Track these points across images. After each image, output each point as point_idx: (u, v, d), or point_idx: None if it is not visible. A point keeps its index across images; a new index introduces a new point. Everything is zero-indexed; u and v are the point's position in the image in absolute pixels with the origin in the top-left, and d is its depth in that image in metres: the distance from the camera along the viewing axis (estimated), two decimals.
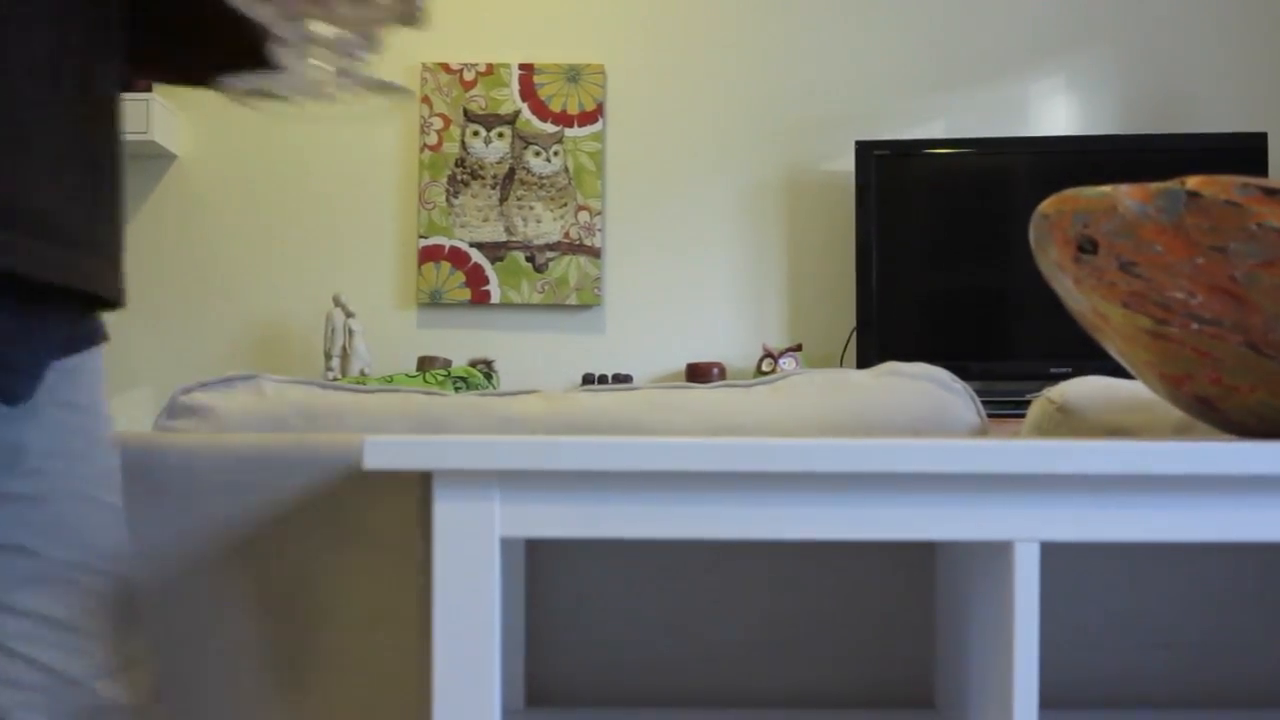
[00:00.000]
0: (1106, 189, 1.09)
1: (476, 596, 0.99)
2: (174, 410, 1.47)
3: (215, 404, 1.46)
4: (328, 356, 4.58)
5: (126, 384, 4.83)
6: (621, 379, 4.61)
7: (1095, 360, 4.28)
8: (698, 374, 4.52)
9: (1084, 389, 1.54)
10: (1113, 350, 1.19)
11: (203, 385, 1.48)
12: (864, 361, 4.47)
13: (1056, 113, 4.81)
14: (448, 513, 1.00)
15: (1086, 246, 1.10)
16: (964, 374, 4.30)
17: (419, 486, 1.34)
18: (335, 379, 4.49)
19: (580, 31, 4.83)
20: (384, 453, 0.98)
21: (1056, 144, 4.58)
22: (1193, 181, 1.05)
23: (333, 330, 4.59)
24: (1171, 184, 1.06)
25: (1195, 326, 1.08)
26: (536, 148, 4.81)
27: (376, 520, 1.35)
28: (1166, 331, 1.09)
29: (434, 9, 4.91)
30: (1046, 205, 1.12)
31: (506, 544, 1.27)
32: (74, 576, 1.06)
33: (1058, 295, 1.20)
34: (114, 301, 1.09)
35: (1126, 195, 1.08)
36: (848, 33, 4.73)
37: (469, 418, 1.45)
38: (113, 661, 1.08)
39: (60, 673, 1.05)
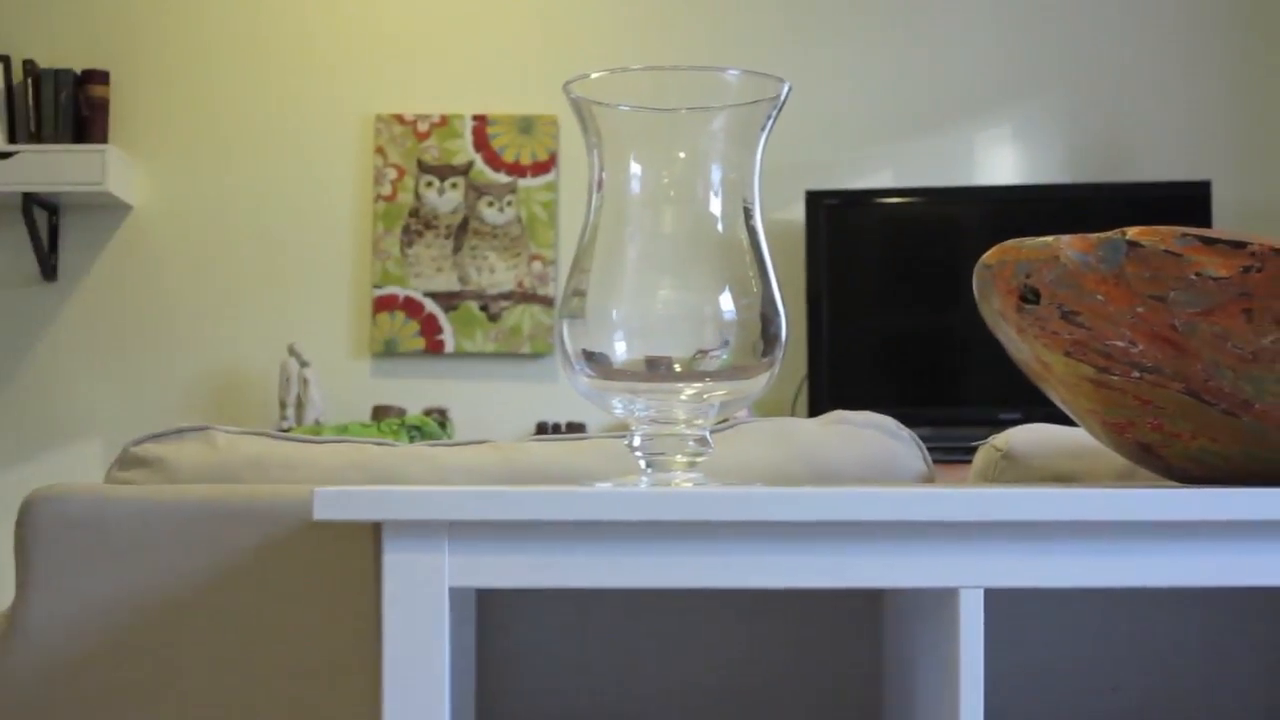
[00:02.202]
0: (1049, 239, 1.10)
1: (425, 648, 0.99)
2: (125, 461, 1.46)
3: (167, 455, 1.45)
4: (283, 406, 4.56)
5: (79, 434, 4.79)
6: (575, 428, 4.60)
7: (1045, 406, 4.30)
8: None
9: (1028, 436, 1.54)
10: (1056, 398, 1.19)
11: (154, 436, 1.47)
12: (815, 409, 4.48)
13: (1003, 162, 4.85)
14: (396, 563, 0.99)
15: (1029, 296, 1.10)
16: (914, 421, 4.31)
17: (370, 538, 1.33)
18: (290, 428, 4.46)
19: (533, 83, 4.84)
20: (333, 503, 0.98)
21: (1002, 193, 4.62)
22: (1133, 232, 1.06)
23: (288, 379, 4.58)
24: (1112, 234, 1.07)
25: (1137, 374, 1.09)
26: (490, 198, 4.81)
27: (330, 573, 1.34)
28: (1109, 380, 1.10)
29: (388, 60, 4.92)
30: (989, 256, 1.13)
31: (457, 594, 1.26)
32: None
33: (1000, 341, 1.21)
34: None
35: (1068, 245, 1.09)
36: (799, 83, 4.76)
37: (421, 468, 1.44)
38: None
39: None
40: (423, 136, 4.85)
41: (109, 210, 4.86)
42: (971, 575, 1.02)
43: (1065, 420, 3.90)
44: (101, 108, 4.80)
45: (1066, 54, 4.88)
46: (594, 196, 1.14)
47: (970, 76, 4.87)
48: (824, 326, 4.55)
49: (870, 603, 1.41)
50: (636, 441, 1.12)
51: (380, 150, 4.84)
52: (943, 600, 1.06)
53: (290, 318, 4.83)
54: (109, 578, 1.33)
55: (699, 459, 1.12)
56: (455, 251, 4.81)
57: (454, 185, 4.83)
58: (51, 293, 4.85)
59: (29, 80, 4.76)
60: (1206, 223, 4.46)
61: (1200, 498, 1.00)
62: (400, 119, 4.85)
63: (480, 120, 4.85)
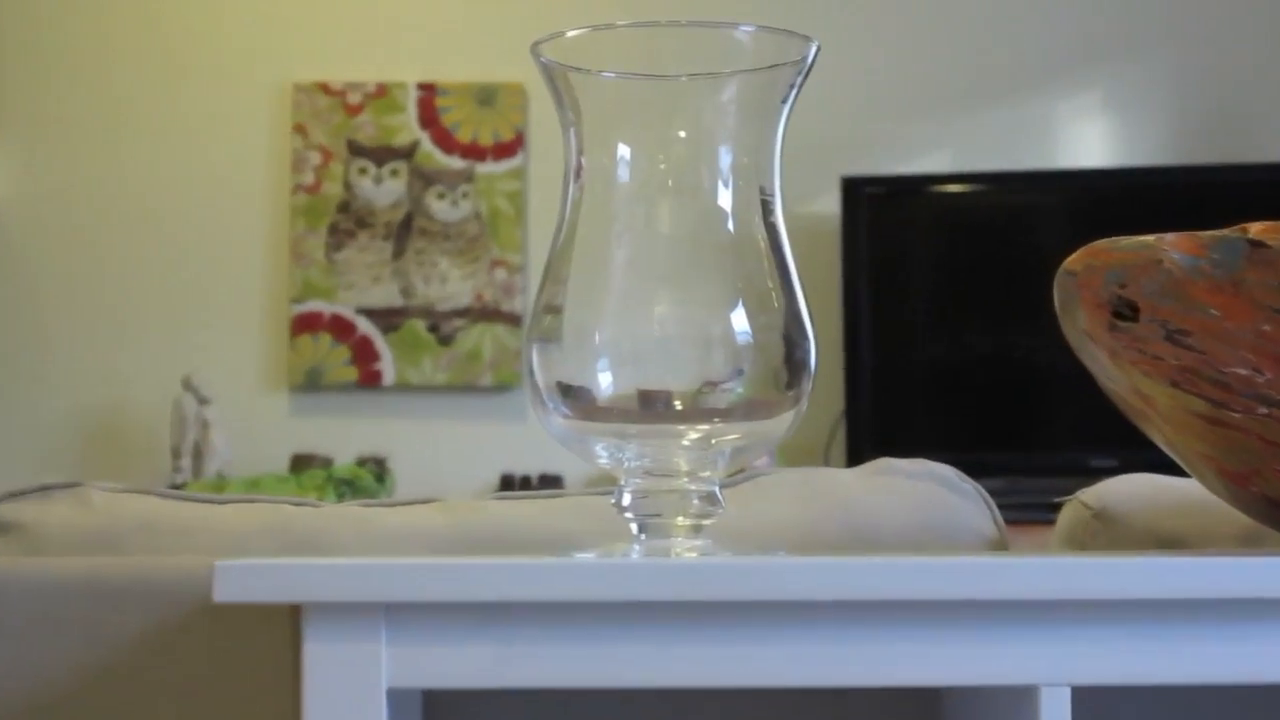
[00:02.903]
0: (1148, 239, 1.10)
1: None
2: None
3: (30, 519, 1.44)
4: (176, 454, 4.56)
5: None
6: (549, 481, 4.60)
7: (1147, 450, 4.28)
8: None
9: (1126, 490, 1.54)
10: (1159, 440, 1.19)
11: (14, 495, 1.47)
12: (855, 455, 4.48)
13: (1090, 140, 4.86)
14: (321, 657, 0.99)
15: (1124, 311, 1.10)
16: (981, 470, 4.29)
17: (288, 623, 1.33)
18: (185, 483, 4.46)
19: (495, 42, 4.85)
20: (239, 581, 0.97)
21: (1089, 180, 4.63)
22: (1256, 229, 1.06)
23: (182, 421, 4.57)
24: (1229, 232, 1.07)
25: (1262, 410, 1.08)
26: (440, 188, 4.82)
27: (236, 668, 1.34)
28: (1226, 417, 1.10)
29: (308, 13, 4.93)
30: (1073, 260, 1.13)
31: (397, 696, 1.26)
32: None
33: (1086, 368, 1.21)
34: None
35: (1173, 247, 1.08)
36: (830, 42, 4.77)
37: (353, 533, 1.44)
38: None
39: None
40: (354, 110, 4.86)
41: None
42: (1055, 670, 1.01)
43: (1173, 468, 3.88)
44: None
45: (1170, 6, 4.89)
46: (571, 187, 1.14)
47: (1049, 32, 4.88)
48: (865, 349, 4.56)
49: (926, 703, 1.40)
50: (626, 499, 1.11)
51: (300, 128, 4.85)
52: (1019, 700, 1.06)
53: (186, 342, 4.82)
54: None
55: (706, 521, 1.12)
56: (396, 256, 4.82)
57: (394, 172, 4.84)
58: None
59: None
60: None
61: None
62: (325, 88, 4.86)
63: (427, 90, 4.86)
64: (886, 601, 1.01)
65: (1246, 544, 1.48)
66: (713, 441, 1.10)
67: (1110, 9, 4.88)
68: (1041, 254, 4.52)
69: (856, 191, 4.60)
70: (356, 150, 4.85)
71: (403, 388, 4.80)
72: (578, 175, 1.13)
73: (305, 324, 4.80)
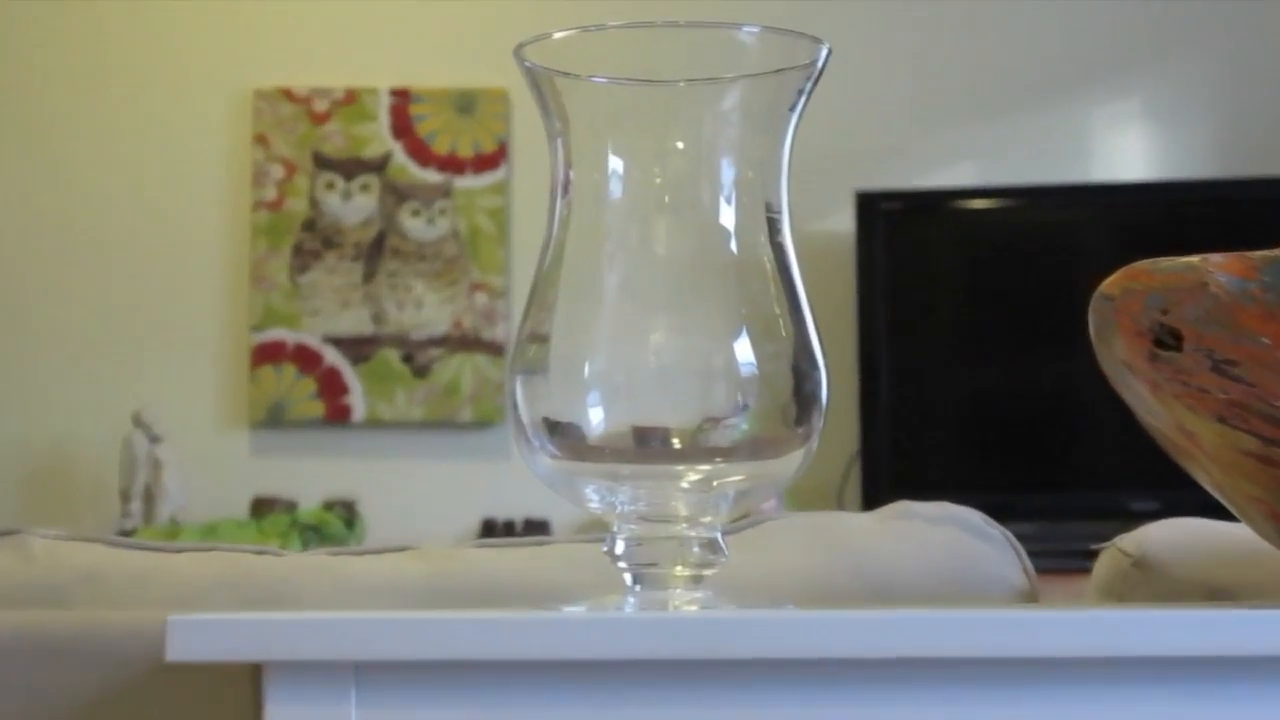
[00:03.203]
0: (1193, 260, 1.10)
1: None
2: None
3: None
4: (125, 497, 4.56)
5: None
6: (534, 526, 4.59)
7: (1192, 491, 4.28)
8: None
9: (1169, 536, 1.54)
10: (1205, 481, 1.19)
11: None
12: (870, 498, 4.48)
13: (1129, 150, 4.87)
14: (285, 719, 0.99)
15: (1166, 340, 1.10)
16: (1009, 513, 4.29)
17: (249, 683, 1.33)
18: (134, 529, 4.46)
19: (475, 44, 4.86)
20: (194, 637, 0.97)
21: (1128, 194, 4.63)
22: None
23: (132, 461, 4.57)
24: None
25: None
26: (415, 204, 4.83)
27: None
28: (1279, 456, 1.10)
29: (272, 13, 4.94)
30: (1110, 283, 1.13)
31: None
32: None
33: (1125, 402, 1.21)
34: None
35: (1219, 268, 1.09)
36: (843, 46, 4.77)
37: (320, 585, 1.44)
38: None
39: None
40: (320, 119, 4.87)
41: None
42: None
43: (1220, 512, 3.87)
44: None
45: (1216, 4, 4.90)
46: (558, 203, 1.14)
47: (1083, 32, 4.89)
48: (882, 381, 4.56)
49: None
50: (620, 547, 1.11)
51: (261, 139, 4.86)
52: None
53: (136, 375, 4.82)
54: None
55: (707, 571, 1.12)
56: (367, 279, 4.82)
57: (365, 187, 4.85)
58: None
59: None
60: None
61: None
62: (289, 95, 4.87)
63: (401, 96, 4.87)
64: (905, 659, 1.01)
65: None
66: (714, 483, 1.10)
67: (1151, 5, 4.89)
68: (1075, 276, 4.53)
69: (872, 207, 4.61)
70: (323, 163, 4.86)
71: (374, 424, 4.80)
72: (566, 190, 1.13)
73: (267, 354, 4.80)
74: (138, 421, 4.59)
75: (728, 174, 1.12)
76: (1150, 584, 1.53)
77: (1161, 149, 4.86)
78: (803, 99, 1.13)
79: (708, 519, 1.11)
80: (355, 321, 4.80)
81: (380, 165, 4.86)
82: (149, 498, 4.57)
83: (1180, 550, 1.54)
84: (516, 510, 4.73)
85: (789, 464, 1.11)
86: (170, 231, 4.88)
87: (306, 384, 4.79)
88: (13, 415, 4.82)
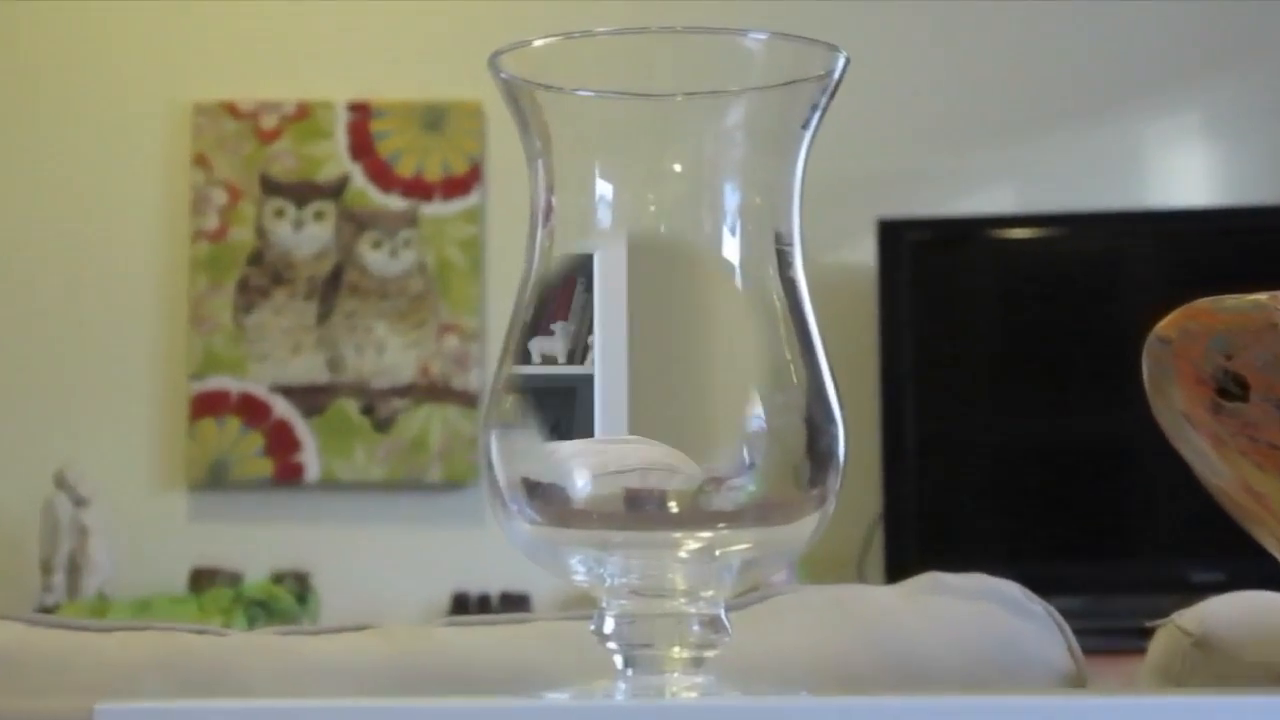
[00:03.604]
0: (1260, 297, 1.10)
1: None
2: None
3: None
4: (46, 569, 4.55)
5: None
6: (512, 601, 4.59)
7: (1259, 560, 4.27)
8: None
9: (1234, 612, 1.54)
10: (1276, 549, 1.19)
11: None
12: (895, 569, 4.47)
13: (1184, 174, 4.88)
14: None
15: (1231, 388, 1.10)
16: (1052, 586, 4.29)
17: None
18: (57, 605, 4.45)
19: (445, 52, 4.87)
20: None
21: (1185, 222, 4.64)
22: None
23: (54, 527, 4.57)
24: None
25: None
26: (377, 234, 4.84)
27: None
28: None
29: (212, 18, 4.94)
30: (1167, 324, 1.13)
31: None
32: None
33: (1184, 459, 1.21)
34: None
35: None
36: (863, 57, 4.79)
37: (268, 668, 1.44)
38: None
39: None
40: (269, 137, 4.88)
41: None
42: None
43: None
44: None
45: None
46: (539, 233, 1.14)
47: (1134, 41, 4.91)
48: (908, 435, 4.56)
49: None
50: (609, 625, 1.11)
51: (201, 160, 4.87)
52: None
53: (59, 429, 4.82)
54: None
55: (709, 652, 1.11)
56: (322, 320, 4.83)
57: (319, 215, 4.85)
58: None
59: None
60: None
61: None
62: (232, 109, 4.88)
63: (360, 110, 4.88)
64: None
65: None
66: (716, 553, 1.10)
67: (1209, 12, 4.90)
68: (1126, 316, 4.54)
69: (896, 237, 4.61)
70: (271, 187, 4.87)
71: (330, 485, 4.80)
72: (547, 218, 1.13)
73: (208, 405, 4.80)
74: (60, 482, 4.58)
75: (731, 200, 1.12)
76: (1213, 666, 1.53)
77: (1222, 170, 4.87)
78: (817, 115, 1.13)
79: (709, 593, 1.11)
80: (308, 368, 4.81)
81: (337, 190, 4.86)
82: (73, 569, 4.56)
83: (1247, 628, 1.54)
84: (492, 583, 4.73)
85: (801, 530, 1.11)
86: (96, 265, 4.88)
87: (252, 439, 4.79)
88: None
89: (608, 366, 1.11)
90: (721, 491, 1.09)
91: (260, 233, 4.85)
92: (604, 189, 1.13)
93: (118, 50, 4.93)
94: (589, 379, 1.10)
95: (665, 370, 1.12)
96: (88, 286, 4.87)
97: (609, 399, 1.10)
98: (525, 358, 1.12)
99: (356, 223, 4.85)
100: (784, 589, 1.53)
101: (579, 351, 1.11)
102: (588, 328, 1.11)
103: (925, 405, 4.59)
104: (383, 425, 4.78)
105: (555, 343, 1.09)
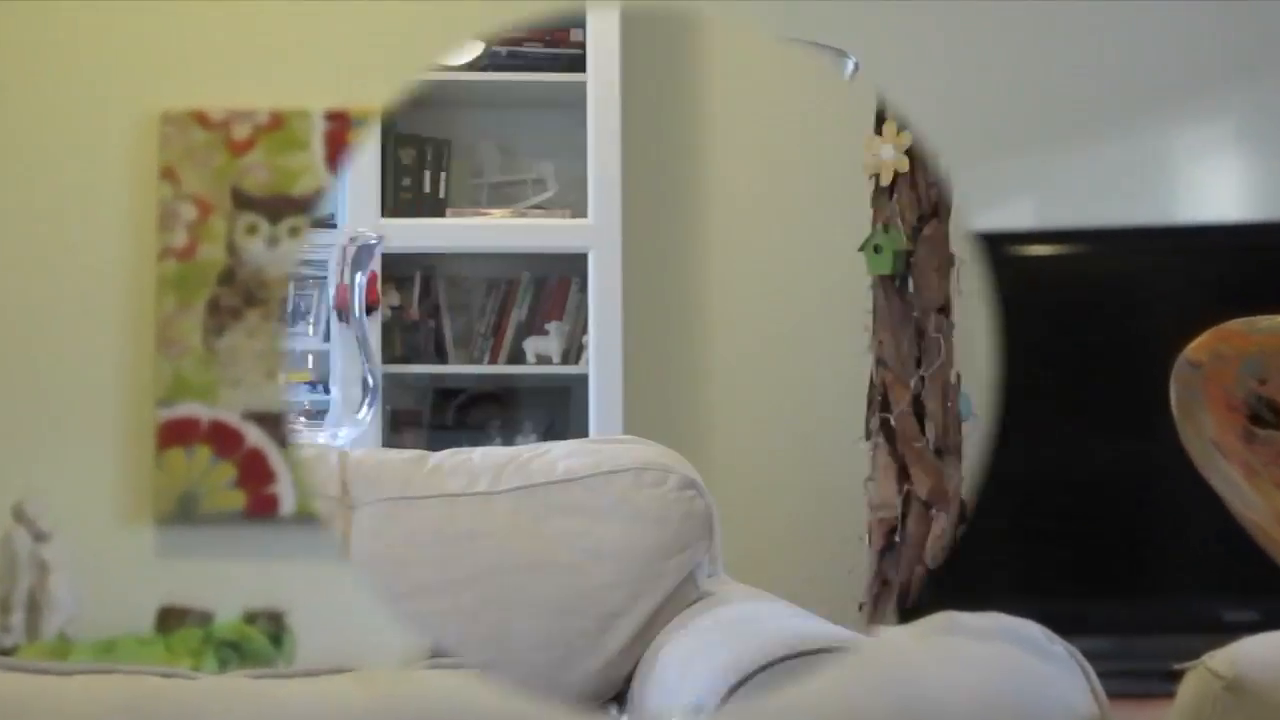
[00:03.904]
0: None
1: None
2: None
3: None
4: (4, 608, 4.55)
5: None
6: None
7: None
8: None
9: (1268, 653, 1.54)
10: None
11: None
12: (909, 609, 4.47)
13: (1217, 187, 4.88)
14: None
15: (1264, 415, 1.11)
16: (1075, 626, 4.29)
17: None
18: (15, 647, 4.45)
19: (428, 55, 4.87)
20: None
21: (1216, 238, 4.64)
22: None
23: (12, 563, 4.56)
24: None
25: None
26: None
27: None
28: None
29: (181, 22, 4.94)
30: (1197, 348, 1.14)
31: None
32: None
33: (1214, 490, 1.22)
34: None
35: None
36: (883, 73, 4.80)
37: (240, 713, 1.44)
38: None
39: None
40: (241, 148, 4.88)
41: None
42: None
43: None
44: None
45: None
46: None
47: (1163, 46, 4.91)
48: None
49: None
50: None
51: (169, 173, 4.87)
52: None
53: (18, 459, 4.82)
54: None
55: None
56: None
57: (294, 231, 4.85)
58: None
59: None
60: None
61: None
62: (202, 118, 4.88)
63: (338, 120, 4.88)
64: None
65: None
66: None
67: (1240, 17, 4.91)
68: (1153, 338, 4.53)
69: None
70: (243, 201, 4.87)
71: (306, 518, 4.80)
72: None
73: (176, 434, 4.80)
74: (19, 515, 4.58)
75: None
76: (1246, 710, 1.53)
77: (1256, 184, 4.87)
78: None
79: None
80: (283, 395, 4.81)
81: (313, 204, 4.86)
82: (33, 608, 4.56)
83: (1276, 670, 1.54)
84: None
85: None
86: (57, 284, 4.88)
87: (224, 470, 4.79)
88: None
89: (602, 366, 1.12)
90: None
91: (232, 250, 4.85)
92: None
93: (79, 56, 4.93)
94: (583, 378, 1.11)
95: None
96: (48, 307, 4.87)
97: (603, 398, 1.11)
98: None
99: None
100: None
101: (573, 351, 1.12)
102: (582, 328, 1.12)
103: None
104: None
105: (550, 342, 1.10)
